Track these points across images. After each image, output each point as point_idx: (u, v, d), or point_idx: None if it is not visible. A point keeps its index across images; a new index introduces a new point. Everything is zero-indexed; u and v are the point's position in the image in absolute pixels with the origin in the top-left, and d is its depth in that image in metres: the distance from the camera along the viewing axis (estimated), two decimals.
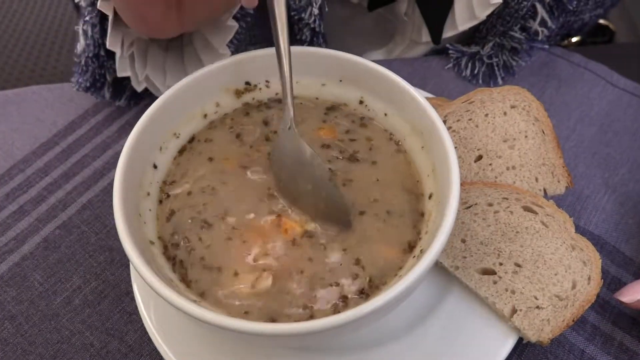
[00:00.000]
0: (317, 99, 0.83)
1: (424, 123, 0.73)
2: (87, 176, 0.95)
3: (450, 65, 1.08)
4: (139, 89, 0.95)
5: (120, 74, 0.91)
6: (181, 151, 0.78)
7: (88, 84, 0.95)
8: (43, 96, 1.06)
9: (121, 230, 0.62)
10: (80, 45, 0.92)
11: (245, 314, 0.64)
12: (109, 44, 0.87)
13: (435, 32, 1.05)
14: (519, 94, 0.84)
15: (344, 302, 0.65)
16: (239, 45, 1.02)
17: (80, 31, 0.92)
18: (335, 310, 0.65)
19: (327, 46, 1.08)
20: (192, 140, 0.79)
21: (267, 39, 1.17)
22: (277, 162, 0.74)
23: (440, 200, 0.69)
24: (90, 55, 0.92)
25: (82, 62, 0.93)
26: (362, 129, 0.80)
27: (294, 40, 1.07)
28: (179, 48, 0.96)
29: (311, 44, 1.04)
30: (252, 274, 0.67)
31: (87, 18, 0.91)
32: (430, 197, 0.72)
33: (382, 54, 1.22)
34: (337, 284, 0.66)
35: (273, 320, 0.64)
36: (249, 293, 0.66)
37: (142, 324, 0.74)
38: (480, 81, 1.04)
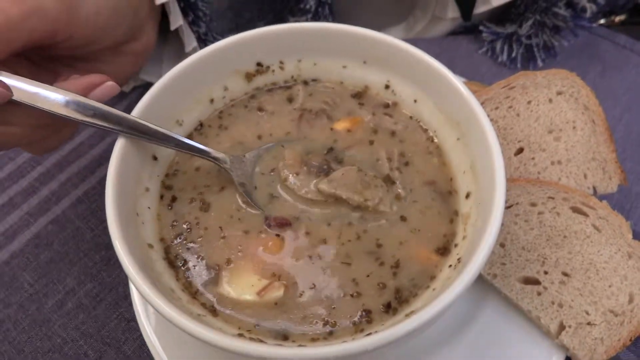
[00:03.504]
0: (341, 83, 0.74)
1: (462, 112, 0.63)
2: (83, 166, 0.87)
3: (484, 49, 0.98)
4: (127, 89, 0.93)
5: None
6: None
7: None
8: None
9: (114, 233, 0.55)
10: None
11: (256, 327, 0.57)
12: None
13: (466, 7, 0.94)
14: (566, 78, 0.75)
15: (368, 318, 0.57)
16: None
17: None
18: (358, 328, 0.56)
19: (335, 19, 0.99)
20: (201, 126, 0.71)
21: (275, 12, 1.08)
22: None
23: (480, 202, 0.60)
24: None
25: None
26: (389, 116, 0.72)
27: (296, 9, 0.97)
28: (178, 37, 0.87)
29: (315, 15, 0.94)
30: (260, 280, 0.59)
31: None
32: (467, 196, 0.63)
33: (400, 31, 1.12)
34: (359, 295, 0.58)
35: (285, 337, 0.56)
36: (258, 303, 0.58)
37: (141, 333, 0.66)
38: (519, 65, 0.94)
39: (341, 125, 0.71)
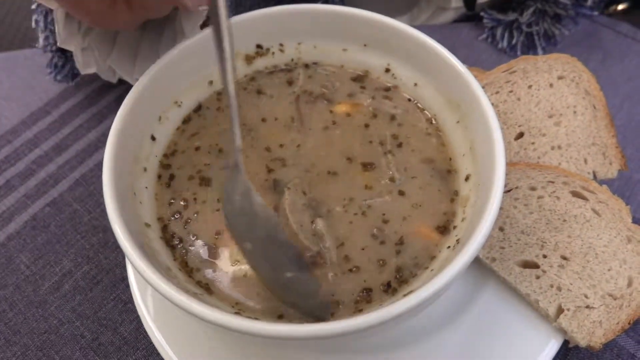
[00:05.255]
0: (342, 67, 0.73)
1: (463, 94, 0.63)
2: (80, 149, 0.86)
3: (484, 35, 0.97)
4: (113, 80, 0.84)
5: (84, 71, 0.80)
6: (186, 120, 0.70)
7: (68, 78, 0.87)
8: (35, 61, 0.97)
9: (111, 210, 0.54)
10: (40, 38, 0.82)
11: (253, 306, 0.56)
12: (60, 42, 0.75)
13: None
14: (567, 63, 0.74)
15: (368, 297, 0.57)
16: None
17: (33, 23, 0.80)
18: (357, 307, 0.56)
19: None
20: (199, 108, 0.71)
21: (277, 0, 1.07)
22: (229, 215, 0.56)
23: (480, 184, 0.60)
24: (53, 49, 0.82)
25: (50, 59, 0.84)
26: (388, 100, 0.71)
27: None
28: (156, 30, 0.81)
29: (326, 2, 0.94)
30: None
31: (34, 6, 0.79)
32: (467, 178, 0.63)
33: (404, 21, 1.11)
34: (358, 269, 0.58)
35: (281, 316, 0.56)
36: (256, 279, 0.58)
37: (138, 314, 0.66)
38: (519, 52, 0.93)
39: (341, 109, 0.70)
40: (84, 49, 0.78)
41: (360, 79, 0.73)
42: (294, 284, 0.54)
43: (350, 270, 0.58)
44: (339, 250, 0.59)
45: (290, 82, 0.73)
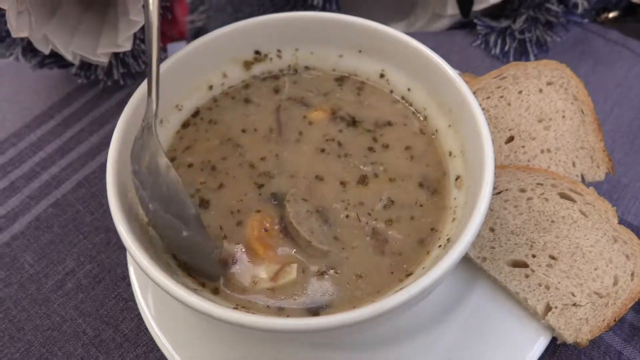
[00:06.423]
0: (334, 70, 0.76)
1: (454, 99, 0.65)
2: (83, 152, 0.88)
3: (478, 42, 1.00)
4: (46, 50, 0.80)
5: (16, 35, 0.75)
6: (185, 125, 0.72)
7: None
8: None
9: (114, 209, 0.56)
10: None
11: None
12: None
13: (465, 4, 0.96)
14: (556, 69, 0.77)
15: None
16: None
17: None
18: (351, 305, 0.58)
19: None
20: (196, 113, 0.73)
21: (275, 7, 1.10)
22: (136, 173, 0.58)
23: (470, 185, 0.62)
24: None
25: None
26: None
27: (304, 5, 0.99)
28: (100, 9, 0.82)
29: (323, 10, 0.97)
30: (270, 266, 0.60)
31: None
32: (457, 179, 0.65)
33: (401, 27, 1.14)
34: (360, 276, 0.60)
35: (283, 310, 0.58)
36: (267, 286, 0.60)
37: (139, 312, 0.68)
38: (512, 59, 0.96)
39: (317, 115, 0.72)
40: (20, 12, 0.74)
41: (342, 79, 0.75)
42: (189, 242, 0.58)
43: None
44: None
45: (277, 90, 0.75)
